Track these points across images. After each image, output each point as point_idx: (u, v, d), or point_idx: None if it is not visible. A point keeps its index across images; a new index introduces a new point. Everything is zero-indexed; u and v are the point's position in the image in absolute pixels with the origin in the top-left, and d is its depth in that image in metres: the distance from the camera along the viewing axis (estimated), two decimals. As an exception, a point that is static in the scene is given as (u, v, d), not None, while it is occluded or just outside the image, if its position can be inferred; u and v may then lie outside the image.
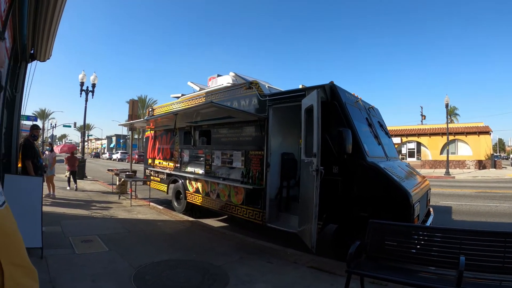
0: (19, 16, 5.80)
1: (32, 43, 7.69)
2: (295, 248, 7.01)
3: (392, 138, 9.57)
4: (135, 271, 5.43)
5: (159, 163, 12.88)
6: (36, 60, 8.57)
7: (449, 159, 32.84)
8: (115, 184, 14.69)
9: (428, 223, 6.94)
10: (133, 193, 12.97)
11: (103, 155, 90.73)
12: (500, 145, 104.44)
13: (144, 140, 14.89)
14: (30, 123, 19.89)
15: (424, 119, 54.28)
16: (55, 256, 5.88)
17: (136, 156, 51.00)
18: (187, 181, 10.82)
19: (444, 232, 4.55)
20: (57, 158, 14.86)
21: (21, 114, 8.72)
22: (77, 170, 16.72)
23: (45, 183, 11.36)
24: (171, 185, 11.91)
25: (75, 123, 66.80)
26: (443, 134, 39.58)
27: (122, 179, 13.45)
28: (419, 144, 45.17)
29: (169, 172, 11.89)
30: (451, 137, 38.58)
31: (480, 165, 39.42)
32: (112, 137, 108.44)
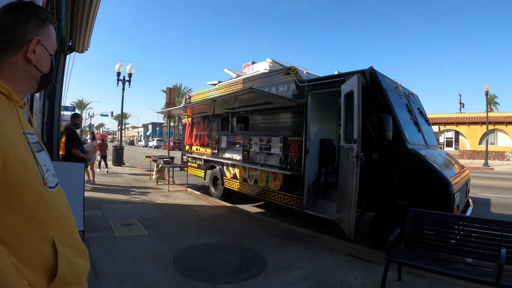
0: (57, 8, 5.91)
1: (70, 35, 7.83)
2: (332, 235, 6.98)
3: (431, 126, 9.37)
4: (175, 254, 5.51)
5: (197, 149, 13.01)
6: (74, 52, 8.74)
7: (488, 149, 31.87)
8: (153, 170, 14.89)
9: (468, 214, 6.79)
10: (171, 179, 13.13)
11: (139, 143, 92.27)
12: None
13: (181, 127, 15.01)
14: (69, 113, 20.33)
15: (463, 107, 53.00)
16: (96, 239, 6.03)
17: (172, 144, 52.01)
18: (225, 167, 10.90)
19: (485, 223, 4.45)
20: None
21: (61, 104, 8.94)
22: (107, 155, 17.57)
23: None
24: (208, 171, 12.01)
25: (112, 112, 67.98)
26: (482, 123, 38.48)
27: (160, 165, 13.62)
28: (457, 133, 44.05)
29: (206, 158, 12.00)
30: (490, 127, 37.34)
31: (521, 157, 38.21)
32: (148, 125, 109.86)
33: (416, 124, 7.38)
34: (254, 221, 8.07)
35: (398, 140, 6.13)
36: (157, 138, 78.16)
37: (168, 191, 11.70)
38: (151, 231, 6.76)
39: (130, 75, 22.19)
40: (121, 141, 24.74)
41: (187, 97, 13.93)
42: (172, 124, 67.73)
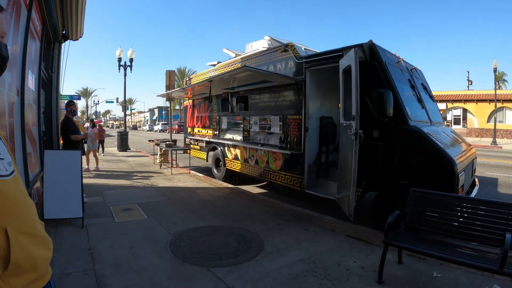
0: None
1: (62, 23, 7.76)
2: (334, 215, 6.89)
3: (437, 103, 9.16)
4: (172, 237, 5.52)
5: (198, 131, 12.96)
6: (69, 40, 8.68)
7: (497, 128, 31.52)
8: (157, 154, 14.87)
9: (473, 194, 6.57)
10: (174, 162, 13.12)
11: (144, 127, 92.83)
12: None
13: (183, 109, 14.95)
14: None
15: (471, 84, 52.33)
16: (96, 225, 6.07)
17: (176, 126, 53.56)
18: (226, 148, 10.85)
19: (490, 206, 4.18)
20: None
21: (61, 93, 8.88)
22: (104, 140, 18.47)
23: (84, 157, 11.61)
24: (211, 153, 12.00)
25: (117, 99, 68.40)
26: (490, 101, 38.04)
27: (163, 149, 13.58)
28: (465, 111, 43.61)
29: (208, 139, 11.96)
30: (499, 105, 36.95)
31: (530, 135, 37.81)
32: (154, 110, 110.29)
33: (420, 100, 7.17)
34: (256, 202, 8.02)
35: (399, 116, 5.93)
36: (162, 122, 78.98)
37: (171, 174, 11.71)
38: (151, 215, 6.78)
39: (131, 60, 22.16)
40: (125, 126, 24.67)
41: (187, 79, 13.87)
42: (177, 107, 67.84)
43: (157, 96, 18.13)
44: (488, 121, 40.20)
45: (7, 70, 1.59)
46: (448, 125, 38.30)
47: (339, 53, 6.79)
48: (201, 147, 12.71)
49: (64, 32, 8.37)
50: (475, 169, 7.81)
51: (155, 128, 74.86)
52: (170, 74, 16.15)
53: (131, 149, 21.46)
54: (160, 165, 13.71)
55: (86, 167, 12.43)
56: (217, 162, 11.65)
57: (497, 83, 38.45)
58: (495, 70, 30.05)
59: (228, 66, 10.45)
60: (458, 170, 5.40)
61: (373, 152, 6.23)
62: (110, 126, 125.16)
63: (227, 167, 10.84)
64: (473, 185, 7.31)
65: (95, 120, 20.56)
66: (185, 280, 4.11)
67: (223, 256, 4.79)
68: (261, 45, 9.99)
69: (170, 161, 13.31)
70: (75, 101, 8.98)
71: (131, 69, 22.14)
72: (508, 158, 18.96)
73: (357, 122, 5.54)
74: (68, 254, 4.72)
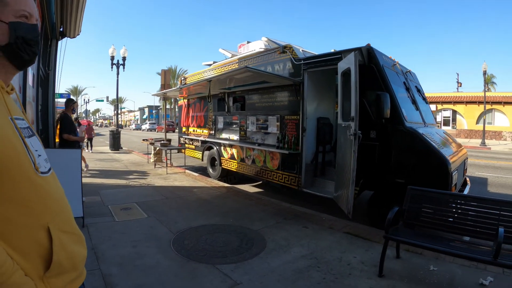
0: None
1: (61, 20, 7.75)
2: (330, 213, 7.02)
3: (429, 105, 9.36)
4: (174, 236, 5.54)
5: (193, 130, 12.97)
6: (66, 37, 8.66)
7: (485, 129, 31.89)
8: (151, 154, 14.86)
9: (465, 193, 6.79)
10: (169, 161, 13.12)
11: (130, 126, 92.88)
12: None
13: (177, 109, 14.97)
14: (63, 100, 20.43)
15: (460, 86, 52.93)
16: (96, 225, 6.04)
17: (165, 126, 53.31)
18: (222, 147, 10.89)
19: (483, 202, 4.42)
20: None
21: (55, 91, 8.87)
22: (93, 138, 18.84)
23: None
24: (206, 152, 12.02)
25: (107, 97, 68.03)
26: (479, 102, 38.48)
27: (157, 148, 13.59)
28: (454, 112, 44.09)
29: (203, 139, 11.97)
30: (488, 106, 37.33)
31: (518, 137, 38.32)
32: (145, 109, 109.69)
33: (414, 102, 7.34)
34: (253, 200, 8.09)
35: (396, 118, 6.10)
36: (149, 121, 79.91)
37: (166, 173, 11.69)
38: (151, 214, 6.78)
39: (124, 58, 21.92)
40: (117, 125, 24.56)
41: (182, 78, 13.86)
42: (168, 106, 67.62)
43: (152, 95, 17.97)
44: (477, 122, 40.73)
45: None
46: (439, 126, 38.53)
47: (338, 55, 6.92)
48: (196, 146, 12.71)
49: (61, 29, 8.36)
50: (466, 168, 8.01)
51: (143, 127, 75.61)
52: (165, 73, 16.14)
53: (123, 148, 21.38)
54: (155, 165, 13.65)
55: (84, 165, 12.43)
56: (212, 161, 11.67)
57: (486, 86, 38.87)
58: (484, 72, 30.46)
59: (225, 66, 10.48)
60: (452, 169, 5.59)
61: (370, 152, 6.37)
62: (99, 125, 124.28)
63: (223, 167, 10.89)
64: (464, 184, 7.49)
65: (86, 120, 20.60)
66: (193, 277, 4.16)
67: (227, 254, 4.86)
68: (257, 46, 10.04)
69: (164, 161, 13.32)
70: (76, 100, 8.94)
71: (123, 68, 21.95)
72: (497, 159, 19.28)
73: (356, 123, 5.69)
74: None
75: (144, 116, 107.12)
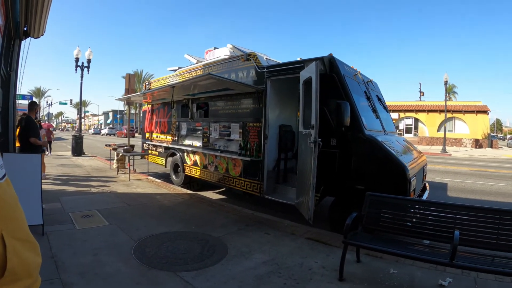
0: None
1: (25, 19, 7.58)
2: (293, 220, 7.09)
3: (390, 113, 9.56)
4: (135, 243, 5.49)
5: (157, 136, 12.88)
6: (30, 37, 8.47)
7: (446, 136, 32.93)
8: (113, 160, 14.67)
9: (424, 198, 6.98)
10: (132, 168, 12.96)
11: (89, 131, 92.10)
12: (497, 125, 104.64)
13: (142, 114, 14.82)
14: (25, 102, 19.88)
15: (423, 95, 54.25)
16: (56, 232, 5.92)
17: (125, 131, 54.30)
18: (185, 154, 10.85)
19: (440, 207, 4.63)
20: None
21: (17, 92, 8.65)
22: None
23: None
24: (169, 159, 11.92)
25: (71, 100, 66.78)
26: (441, 111, 39.70)
27: (120, 154, 13.41)
28: (416, 120, 45.34)
29: (167, 145, 11.91)
30: (449, 115, 38.60)
31: (477, 144, 39.64)
32: (109, 113, 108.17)
33: (374, 110, 7.52)
34: (216, 207, 8.09)
35: (356, 126, 6.23)
36: (108, 126, 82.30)
37: (129, 180, 11.54)
38: (112, 221, 6.70)
39: (89, 61, 21.59)
40: (80, 130, 24.07)
41: (147, 83, 13.76)
42: (133, 111, 66.98)
43: (116, 99, 17.73)
44: (439, 130, 42.04)
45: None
46: (400, 134, 39.48)
47: (300, 64, 7.02)
48: (159, 152, 12.61)
49: (25, 28, 8.18)
50: (425, 174, 8.25)
51: (102, 132, 76.49)
52: (130, 78, 15.91)
53: (85, 153, 21.01)
54: (117, 171, 13.46)
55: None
56: (176, 168, 11.60)
57: (447, 95, 40.03)
58: (445, 82, 31.44)
59: (190, 72, 10.45)
60: (410, 175, 5.74)
61: (330, 159, 6.48)
62: (61, 129, 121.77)
63: (186, 173, 10.83)
64: (424, 189, 7.73)
65: (46, 123, 20.23)
66: (154, 285, 4.15)
67: (188, 261, 4.85)
68: (223, 52, 10.07)
69: (127, 167, 13.17)
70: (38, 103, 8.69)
71: (88, 71, 21.62)
72: (456, 165, 19.90)
73: (316, 131, 5.78)
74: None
75: (109, 121, 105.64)
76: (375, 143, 6.06)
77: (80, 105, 24.51)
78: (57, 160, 16.93)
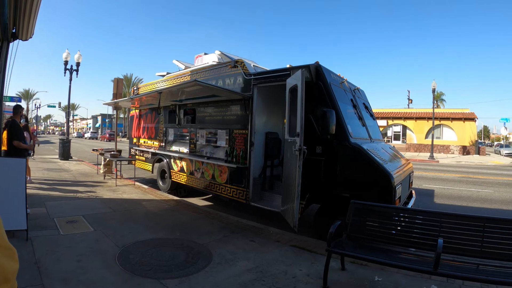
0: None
1: (13, 21, 7.52)
2: (278, 227, 7.10)
3: (378, 120, 9.63)
4: (120, 250, 5.46)
5: (144, 142, 12.83)
6: (18, 39, 8.40)
7: (434, 143, 33.28)
8: (100, 164, 14.58)
9: (410, 205, 7.04)
10: (118, 173, 12.90)
11: (72, 134, 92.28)
12: (485, 132, 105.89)
13: (129, 119, 14.75)
14: (13, 104, 19.71)
15: (411, 103, 54.83)
16: (40, 238, 5.86)
17: (107, 135, 55.59)
18: (172, 160, 10.82)
19: (424, 214, 4.65)
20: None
21: (4, 95, 8.56)
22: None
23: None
24: (156, 164, 11.88)
25: (59, 103, 66.16)
26: (428, 118, 39.97)
27: (107, 159, 13.34)
28: (404, 128, 45.66)
29: (154, 151, 11.88)
30: (436, 122, 38.99)
31: (464, 150, 40.02)
32: (98, 117, 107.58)
33: (361, 118, 7.57)
34: (202, 214, 8.07)
35: (341, 134, 6.27)
36: (91, 130, 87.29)
37: (116, 185, 11.47)
38: (97, 227, 6.65)
39: (78, 64, 21.38)
40: (67, 133, 23.88)
41: (135, 88, 13.72)
42: (122, 115, 66.75)
43: (103, 104, 17.57)
44: (426, 137, 42.41)
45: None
46: (389, 141, 39.78)
47: (287, 72, 7.05)
48: (146, 158, 12.56)
49: (14, 30, 8.11)
50: (412, 182, 8.29)
51: (86, 135, 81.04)
52: (118, 82, 15.81)
53: (73, 158, 20.86)
54: (104, 176, 13.36)
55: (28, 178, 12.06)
56: (162, 174, 11.56)
57: (435, 102, 40.41)
58: (433, 90, 31.75)
59: (178, 78, 10.46)
60: (395, 183, 5.77)
61: (316, 167, 6.51)
62: (50, 132, 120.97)
63: (172, 179, 10.80)
64: (410, 196, 7.79)
65: (32, 128, 20.06)
66: (137, 292, 4.12)
67: (172, 268, 4.84)
68: (211, 59, 10.07)
69: (114, 172, 13.10)
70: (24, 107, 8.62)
71: (77, 74, 21.42)
72: (444, 171, 20.02)
73: (301, 138, 5.82)
74: (13, 268, 4.58)
75: (97, 125, 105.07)
76: (360, 151, 6.10)
77: (69, 109, 24.31)
78: (44, 164, 16.80)
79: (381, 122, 43.06)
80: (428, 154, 32.56)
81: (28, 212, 6.14)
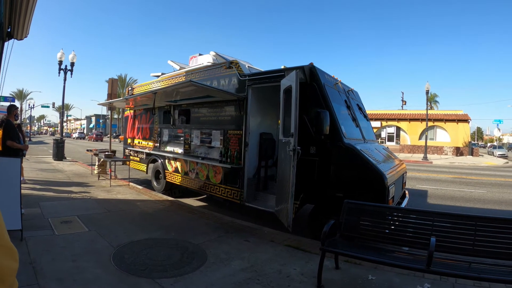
0: (-5, -7, 5.68)
1: (9, 21, 7.51)
2: (272, 227, 7.13)
3: (372, 122, 9.69)
4: (115, 250, 5.46)
5: (139, 142, 12.81)
6: (13, 39, 8.38)
7: (428, 144, 33.43)
8: (95, 165, 14.54)
9: (403, 205, 7.10)
10: (113, 173, 12.88)
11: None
12: (478, 134, 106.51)
13: (124, 119, 14.71)
14: (7, 103, 19.61)
15: (405, 104, 55.02)
16: (35, 238, 5.86)
17: (95, 136, 56.83)
18: (166, 160, 10.82)
19: (417, 214, 4.70)
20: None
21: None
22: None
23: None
24: (151, 165, 11.86)
25: (53, 103, 66.01)
26: (422, 120, 40.08)
27: (102, 159, 13.31)
28: (398, 129, 45.80)
29: (148, 151, 11.87)
30: (430, 123, 39.16)
31: (458, 152, 40.21)
32: (92, 117, 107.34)
33: (354, 119, 7.62)
34: (196, 214, 8.09)
35: (335, 134, 6.31)
36: (78, 131, 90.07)
37: (110, 186, 11.46)
38: (92, 227, 6.64)
39: (72, 64, 21.28)
40: (61, 134, 23.80)
41: (129, 88, 13.70)
42: (116, 116, 66.64)
43: (98, 104, 17.53)
44: (420, 138, 42.55)
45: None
46: (382, 142, 39.90)
47: (281, 73, 7.09)
48: (141, 158, 12.54)
49: (9, 30, 8.08)
50: (405, 182, 8.34)
51: (73, 135, 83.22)
52: (112, 83, 15.75)
53: (67, 158, 20.78)
54: (98, 176, 13.29)
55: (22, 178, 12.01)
56: (157, 174, 11.54)
57: (429, 104, 40.58)
58: (427, 92, 31.95)
59: (172, 78, 10.46)
60: (389, 183, 5.82)
61: (310, 167, 6.54)
62: (44, 132, 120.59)
63: (167, 180, 10.79)
64: (403, 196, 7.85)
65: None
66: (132, 292, 4.13)
67: (167, 268, 4.86)
68: (206, 59, 10.08)
69: (108, 172, 13.07)
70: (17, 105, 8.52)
71: (71, 74, 21.30)
72: (437, 172, 20.16)
73: (295, 139, 5.85)
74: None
75: (91, 125, 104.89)
76: (354, 152, 6.14)
77: (62, 109, 24.22)
78: (38, 165, 16.74)
79: (375, 124, 43.18)
80: (422, 155, 32.71)
81: (23, 212, 6.12)
